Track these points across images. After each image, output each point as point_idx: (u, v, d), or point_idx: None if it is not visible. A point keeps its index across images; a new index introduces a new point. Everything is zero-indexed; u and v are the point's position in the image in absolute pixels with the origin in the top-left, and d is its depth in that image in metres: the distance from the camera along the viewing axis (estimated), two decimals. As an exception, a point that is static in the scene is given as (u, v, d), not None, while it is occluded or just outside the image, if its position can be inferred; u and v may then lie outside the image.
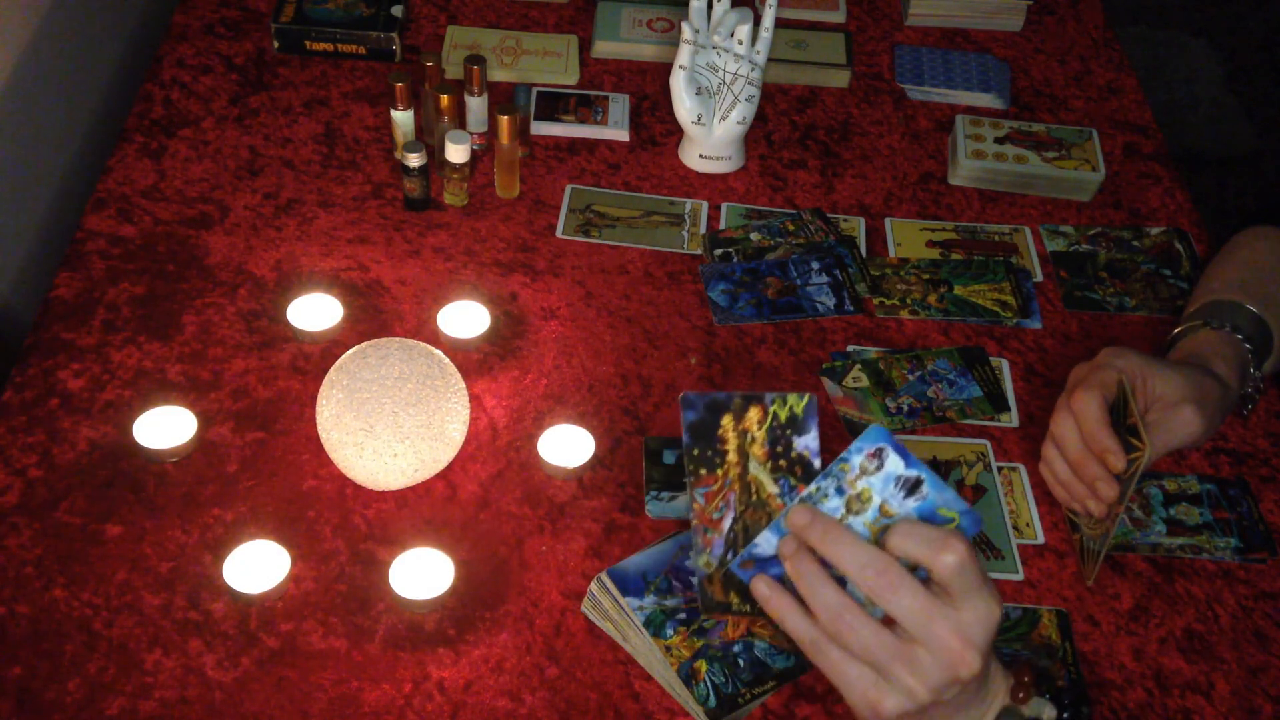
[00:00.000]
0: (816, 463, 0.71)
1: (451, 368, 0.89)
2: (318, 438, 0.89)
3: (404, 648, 0.82)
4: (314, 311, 1.00)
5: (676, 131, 1.21)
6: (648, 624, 0.80)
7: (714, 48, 1.14)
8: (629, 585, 0.82)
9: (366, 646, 0.82)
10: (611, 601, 0.82)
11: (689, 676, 0.79)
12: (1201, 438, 0.87)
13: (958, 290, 1.09)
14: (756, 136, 1.23)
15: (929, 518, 0.67)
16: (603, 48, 1.31)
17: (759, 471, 0.71)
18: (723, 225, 1.14)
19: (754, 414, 0.71)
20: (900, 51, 1.35)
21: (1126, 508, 0.86)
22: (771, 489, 0.71)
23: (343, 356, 0.88)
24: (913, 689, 0.66)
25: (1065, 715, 0.71)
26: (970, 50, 1.36)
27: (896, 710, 0.67)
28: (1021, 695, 0.71)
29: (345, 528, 0.88)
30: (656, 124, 1.24)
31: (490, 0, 1.36)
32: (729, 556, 0.71)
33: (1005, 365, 1.04)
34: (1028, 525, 0.92)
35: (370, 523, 0.89)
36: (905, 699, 0.66)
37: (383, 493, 0.90)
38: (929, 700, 0.66)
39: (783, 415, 0.71)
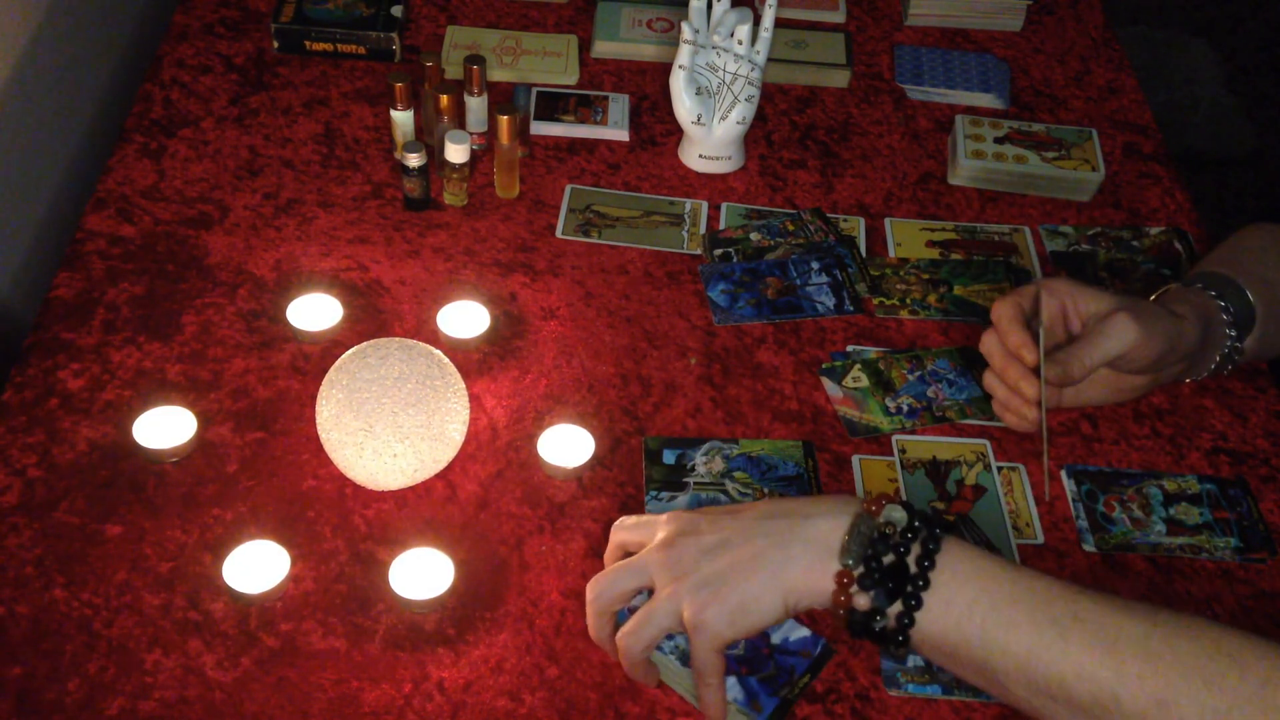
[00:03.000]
0: None
1: (451, 368, 0.89)
2: (317, 438, 0.89)
3: (404, 648, 0.82)
4: (314, 311, 1.00)
5: (676, 131, 1.21)
6: (666, 648, 0.81)
7: (714, 48, 1.14)
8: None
9: (366, 646, 0.82)
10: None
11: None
12: (1143, 348, 0.88)
13: (958, 290, 1.09)
14: (756, 136, 1.23)
15: None
16: (602, 48, 1.31)
17: None
18: (722, 225, 1.14)
19: None
20: (900, 51, 1.35)
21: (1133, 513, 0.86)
22: None
23: (342, 356, 0.88)
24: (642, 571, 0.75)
25: (915, 522, 0.71)
26: (970, 50, 1.36)
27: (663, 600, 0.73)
28: (874, 508, 0.72)
29: (345, 528, 0.88)
30: (656, 124, 1.24)
31: (490, 0, 1.36)
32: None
33: (1005, 365, 1.04)
34: (1028, 525, 0.93)
35: (370, 523, 0.89)
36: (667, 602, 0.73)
37: (382, 493, 0.90)
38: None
39: None
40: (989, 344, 0.92)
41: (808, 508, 0.74)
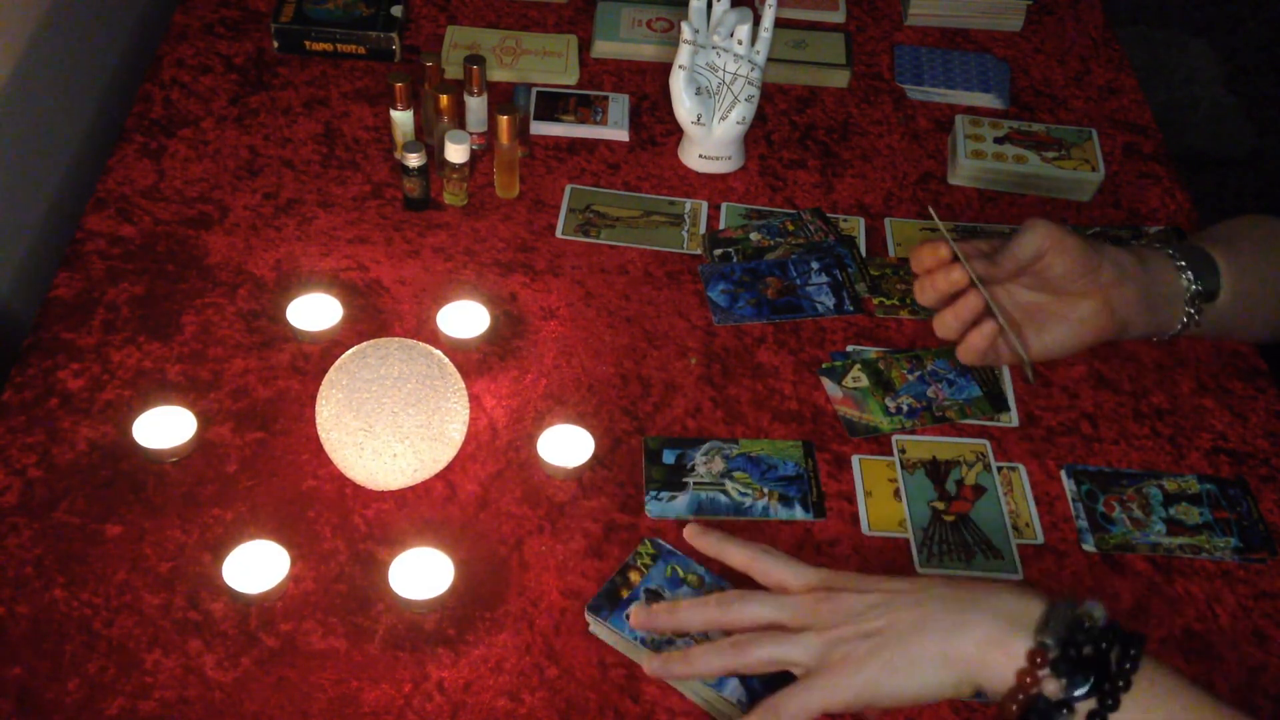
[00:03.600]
0: None
1: (451, 368, 0.89)
2: (317, 438, 0.89)
3: (404, 648, 0.82)
4: (314, 311, 1.00)
5: (676, 131, 1.21)
6: (652, 644, 0.81)
7: (714, 48, 1.14)
8: (615, 615, 0.83)
9: (366, 646, 0.82)
10: (608, 632, 0.83)
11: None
12: (1061, 248, 0.87)
13: (957, 290, 1.09)
14: (756, 136, 1.23)
15: None
16: (602, 48, 1.31)
17: None
18: (722, 225, 1.14)
19: None
20: (900, 51, 1.35)
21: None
22: None
23: (342, 356, 0.88)
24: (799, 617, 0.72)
25: (1115, 623, 0.68)
26: (970, 50, 1.36)
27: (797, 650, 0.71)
28: (1069, 598, 0.68)
29: (345, 528, 0.88)
30: (656, 124, 1.24)
31: (490, 0, 1.36)
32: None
33: (1005, 365, 1.04)
34: (1027, 525, 0.93)
35: (370, 523, 0.89)
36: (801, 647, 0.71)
37: (382, 493, 0.90)
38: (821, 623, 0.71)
39: None
40: (920, 285, 0.90)
41: (984, 584, 0.70)
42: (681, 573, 0.86)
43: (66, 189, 1.23)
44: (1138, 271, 0.91)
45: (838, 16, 1.38)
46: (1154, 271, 0.93)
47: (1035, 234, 0.87)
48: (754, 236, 1.12)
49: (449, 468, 0.92)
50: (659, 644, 0.81)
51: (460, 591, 0.85)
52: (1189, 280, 0.93)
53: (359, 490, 0.90)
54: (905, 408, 0.99)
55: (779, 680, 0.79)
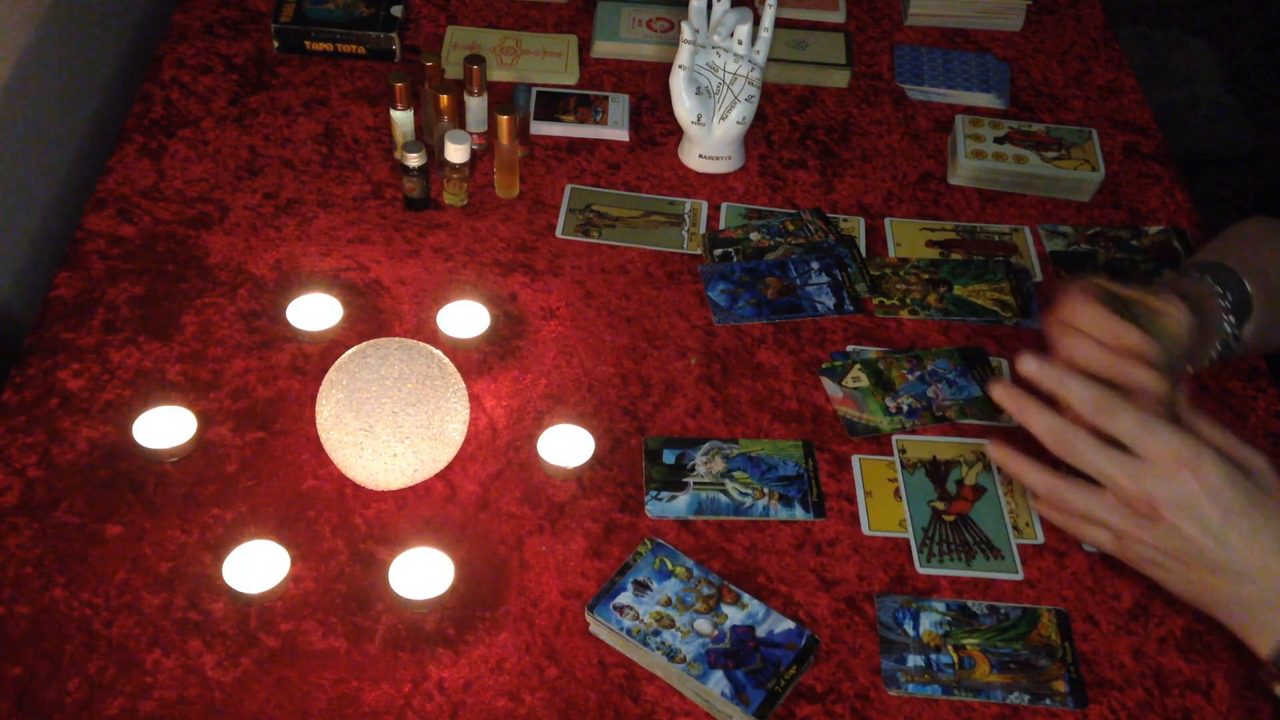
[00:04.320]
0: None
1: (451, 368, 0.89)
2: (317, 438, 0.89)
3: (404, 648, 0.82)
4: (314, 311, 1.00)
5: (676, 131, 1.21)
6: (653, 644, 0.81)
7: (714, 48, 1.14)
8: (613, 615, 0.83)
9: (366, 646, 0.82)
10: (608, 632, 0.83)
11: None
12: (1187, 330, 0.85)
13: (957, 290, 1.09)
14: (756, 136, 1.23)
15: None
16: (602, 48, 1.31)
17: None
18: (722, 225, 1.14)
19: None
20: (900, 51, 1.35)
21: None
22: None
23: (342, 356, 0.88)
24: (1132, 494, 0.73)
25: None
26: (970, 50, 1.36)
27: (1129, 535, 0.75)
28: None
29: (345, 528, 0.88)
30: (656, 124, 1.24)
31: (490, 0, 1.36)
32: None
33: (1005, 365, 1.04)
34: (1027, 525, 0.93)
35: (370, 523, 0.89)
36: (1132, 520, 0.74)
37: (382, 493, 0.90)
38: (1148, 506, 0.73)
39: None
40: (1074, 342, 0.82)
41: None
42: (670, 565, 0.86)
43: (66, 189, 1.23)
44: (1196, 336, 0.88)
45: (838, 16, 1.38)
46: (1207, 328, 0.90)
47: (1178, 321, 0.84)
48: (754, 236, 1.12)
49: (449, 468, 0.92)
50: (659, 644, 0.81)
51: (460, 591, 0.85)
52: (1230, 325, 0.91)
53: (359, 490, 0.90)
54: (905, 408, 0.99)
55: (767, 678, 0.80)
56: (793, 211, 1.16)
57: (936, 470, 0.95)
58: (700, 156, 1.18)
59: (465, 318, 1.01)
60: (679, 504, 0.91)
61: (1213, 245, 1.01)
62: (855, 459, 0.96)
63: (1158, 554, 0.76)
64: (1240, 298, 0.93)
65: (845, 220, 1.15)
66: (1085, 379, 0.76)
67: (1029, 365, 0.77)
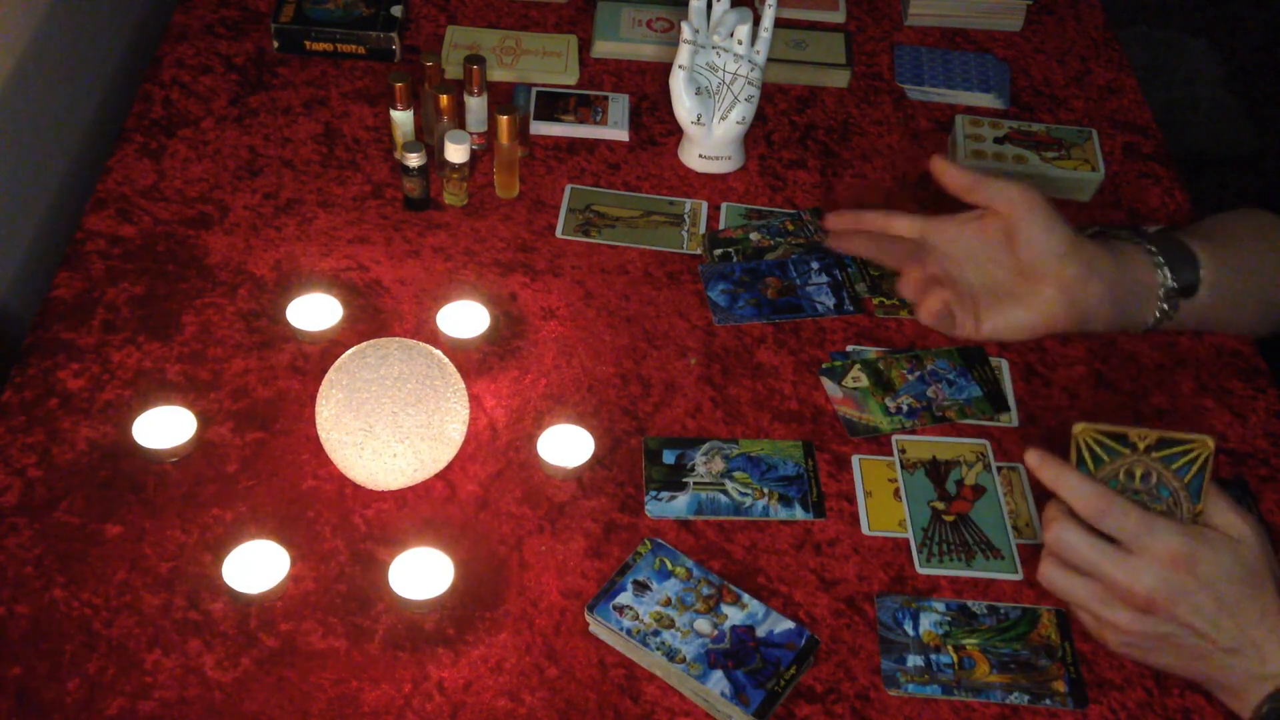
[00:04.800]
0: None
1: (451, 368, 0.89)
2: (317, 438, 0.89)
3: (404, 648, 0.82)
4: (314, 311, 1.00)
5: (676, 131, 1.21)
6: (653, 645, 0.81)
7: (714, 48, 1.14)
8: (612, 615, 0.83)
9: (366, 646, 0.82)
10: (608, 632, 0.83)
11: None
12: (1051, 235, 0.90)
13: (957, 290, 1.09)
14: (756, 136, 1.23)
15: None
16: (602, 48, 1.31)
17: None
18: (722, 225, 1.14)
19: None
20: (900, 51, 1.35)
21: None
22: None
23: (342, 356, 0.88)
24: (1130, 590, 0.76)
25: None
26: (970, 50, 1.36)
27: (1118, 626, 0.78)
28: None
29: (345, 528, 0.88)
30: (656, 124, 1.24)
31: (490, 0, 1.36)
32: None
33: (1005, 365, 1.04)
34: (1027, 525, 0.93)
35: (370, 523, 0.89)
36: (1124, 613, 0.77)
37: (382, 493, 0.90)
38: (1145, 601, 0.76)
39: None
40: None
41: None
42: (670, 565, 0.86)
43: (66, 189, 1.23)
44: (1109, 266, 0.92)
45: (838, 16, 1.38)
46: (1128, 268, 0.93)
47: (1019, 190, 0.89)
48: (754, 236, 1.12)
49: (449, 468, 0.92)
50: (659, 644, 0.81)
51: (460, 591, 0.85)
52: (1165, 276, 0.93)
53: (359, 490, 0.90)
54: (905, 408, 0.99)
55: (767, 678, 0.80)
56: (792, 211, 1.16)
57: (936, 470, 0.95)
58: (700, 156, 1.18)
59: (465, 318, 1.01)
60: (679, 504, 0.91)
61: (1185, 228, 1.01)
62: (855, 459, 0.96)
63: (1145, 641, 0.80)
64: (1182, 260, 0.94)
65: (845, 220, 1.15)
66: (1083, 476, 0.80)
67: (1033, 458, 0.82)
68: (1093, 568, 0.78)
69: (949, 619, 0.86)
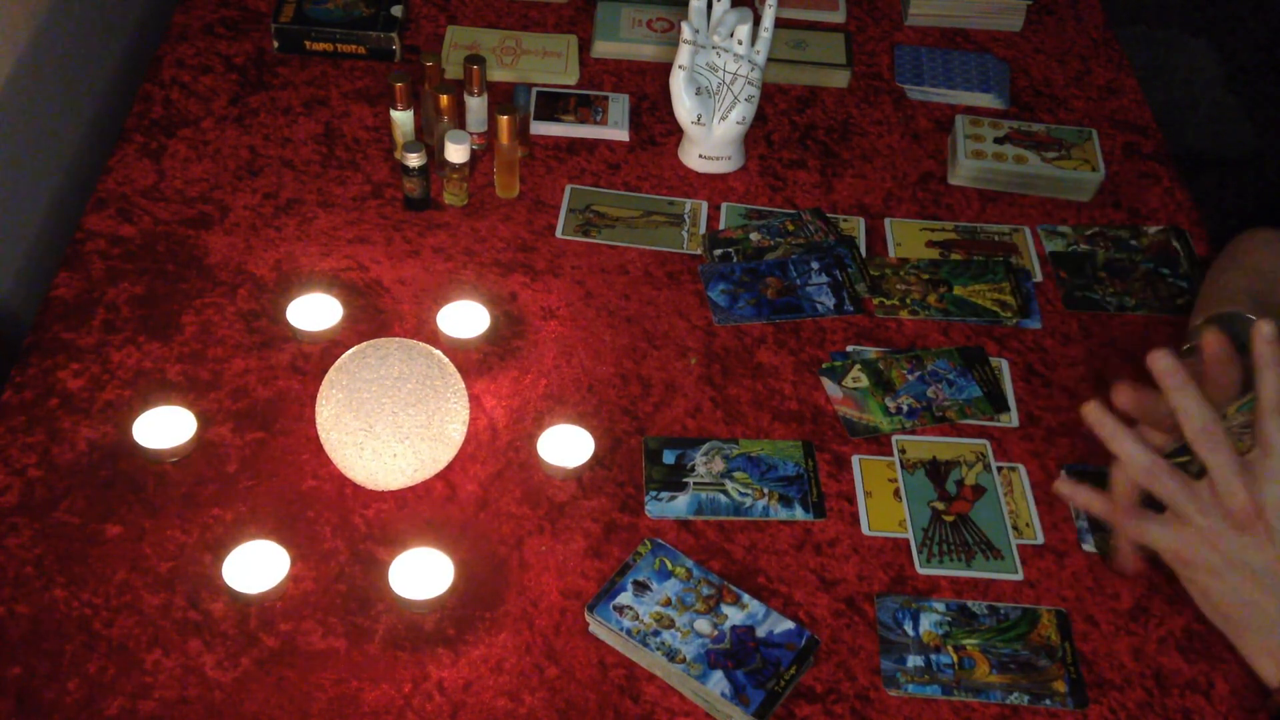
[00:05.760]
0: None
1: (451, 368, 0.89)
2: (317, 438, 0.89)
3: (403, 648, 0.82)
4: (314, 311, 1.00)
5: (676, 131, 1.21)
6: (653, 645, 0.81)
7: (714, 48, 1.14)
8: (613, 615, 0.83)
9: (366, 646, 0.82)
10: (608, 632, 0.83)
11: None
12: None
13: (957, 290, 1.09)
14: (756, 136, 1.23)
15: None
16: (602, 48, 1.31)
17: None
18: (722, 225, 1.14)
19: None
20: (900, 51, 1.35)
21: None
22: None
23: (342, 357, 0.88)
24: (1240, 498, 0.73)
25: None
26: (970, 50, 1.36)
27: (1163, 538, 0.77)
28: None
29: (345, 528, 0.88)
30: (656, 124, 1.24)
31: (490, 0, 1.36)
32: None
33: (1005, 365, 1.04)
34: (1027, 525, 0.93)
35: (370, 523, 0.89)
36: (1174, 529, 0.76)
37: (382, 493, 0.90)
38: (1199, 531, 0.75)
39: None
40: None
41: None
42: (670, 565, 0.86)
43: (66, 189, 1.23)
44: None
45: (838, 16, 1.38)
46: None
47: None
48: (754, 236, 1.12)
49: (449, 468, 0.92)
50: (659, 645, 0.81)
51: (460, 591, 0.85)
52: None
53: (359, 490, 0.90)
54: (905, 408, 0.99)
55: (767, 678, 0.80)
56: (793, 211, 1.16)
57: (936, 470, 0.95)
58: (700, 156, 1.18)
59: (465, 318, 1.01)
60: (679, 504, 0.91)
61: (1230, 276, 0.98)
62: (855, 459, 0.96)
63: (1223, 563, 0.76)
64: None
65: (845, 220, 1.15)
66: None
67: (1161, 362, 0.75)
68: (1213, 463, 0.74)
69: (949, 619, 0.86)
